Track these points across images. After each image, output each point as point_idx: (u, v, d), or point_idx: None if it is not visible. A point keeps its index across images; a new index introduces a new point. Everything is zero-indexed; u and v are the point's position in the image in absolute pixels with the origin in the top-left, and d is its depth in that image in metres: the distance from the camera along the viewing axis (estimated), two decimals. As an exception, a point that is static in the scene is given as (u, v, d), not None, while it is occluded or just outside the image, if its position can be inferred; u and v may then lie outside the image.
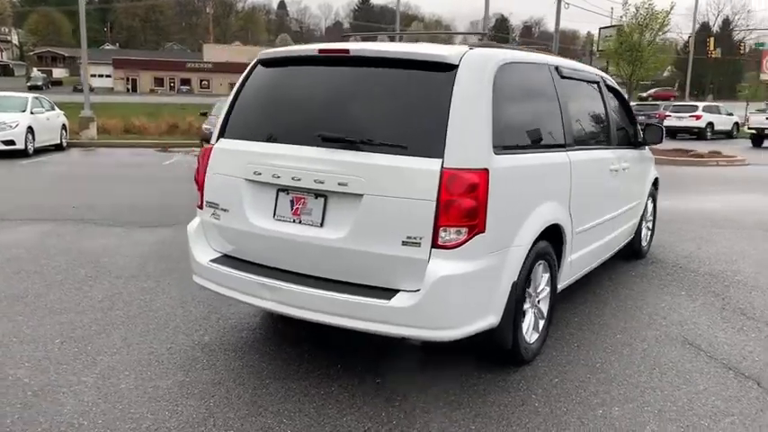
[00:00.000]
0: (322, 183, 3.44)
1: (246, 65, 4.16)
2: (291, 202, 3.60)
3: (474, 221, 3.25)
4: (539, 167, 3.91)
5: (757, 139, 25.99)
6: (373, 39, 5.95)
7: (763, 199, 11.50)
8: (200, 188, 4.01)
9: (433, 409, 3.39)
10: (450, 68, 3.39)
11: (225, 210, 3.84)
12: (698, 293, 5.45)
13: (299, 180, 3.51)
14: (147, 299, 5.00)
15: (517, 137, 3.80)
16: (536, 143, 4.03)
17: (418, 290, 3.27)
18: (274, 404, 3.40)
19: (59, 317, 4.58)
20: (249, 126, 3.91)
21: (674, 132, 28.61)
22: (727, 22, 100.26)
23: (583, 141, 4.60)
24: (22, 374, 3.66)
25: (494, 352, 3.83)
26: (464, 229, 3.24)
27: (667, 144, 21.91)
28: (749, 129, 26.93)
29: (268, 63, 4.02)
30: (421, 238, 3.24)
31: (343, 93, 3.66)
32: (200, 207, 4.03)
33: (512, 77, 3.74)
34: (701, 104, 31.96)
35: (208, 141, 4.21)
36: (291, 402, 3.43)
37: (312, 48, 3.82)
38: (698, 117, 29.94)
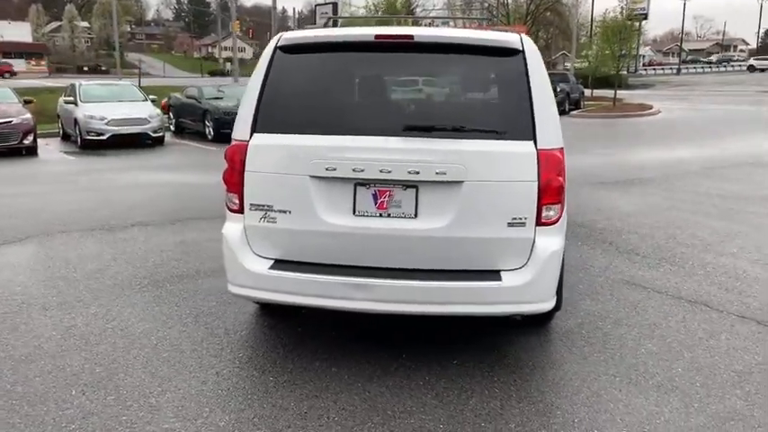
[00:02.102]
0: (417, 173, 3.37)
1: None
2: (374, 195, 3.45)
3: (563, 197, 3.50)
4: None
5: None
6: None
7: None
8: (236, 190, 3.60)
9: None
10: (515, 53, 3.55)
11: (284, 211, 3.51)
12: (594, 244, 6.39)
13: (388, 172, 3.38)
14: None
15: None
16: None
17: (520, 267, 3.43)
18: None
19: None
20: (296, 118, 3.60)
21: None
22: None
23: None
24: None
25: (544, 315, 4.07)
26: (558, 206, 3.47)
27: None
28: None
29: (298, 49, 3.71)
30: (526, 218, 3.40)
31: (412, 80, 3.59)
32: (238, 211, 3.62)
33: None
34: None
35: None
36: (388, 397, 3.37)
37: (363, 33, 3.64)
38: None
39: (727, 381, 3.64)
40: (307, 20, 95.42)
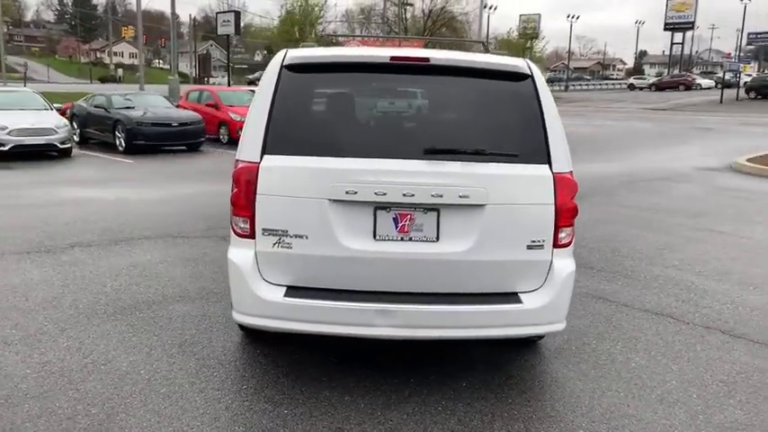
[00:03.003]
0: (440, 196, 3.35)
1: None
2: (395, 219, 3.40)
3: (574, 220, 3.59)
4: None
5: None
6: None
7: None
8: (247, 214, 3.43)
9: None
10: (525, 77, 3.61)
11: (301, 236, 3.38)
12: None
13: (411, 196, 3.34)
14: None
15: None
16: None
17: (537, 289, 3.49)
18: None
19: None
20: (309, 140, 3.48)
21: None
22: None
23: None
24: None
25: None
26: (570, 229, 3.56)
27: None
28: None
29: (306, 68, 3.60)
30: (544, 241, 3.46)
31: (426, 103, 3.57)
32: (249, 236, 3.45)
33: None
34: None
35: None
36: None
37: (378, 54, 3.58)
38: None
39: (719, 392, 3.84)
40: (201, 27, 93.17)
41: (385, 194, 3.33)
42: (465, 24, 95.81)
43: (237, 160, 3.52)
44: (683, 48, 76.06)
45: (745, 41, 76.75)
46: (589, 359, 4.21)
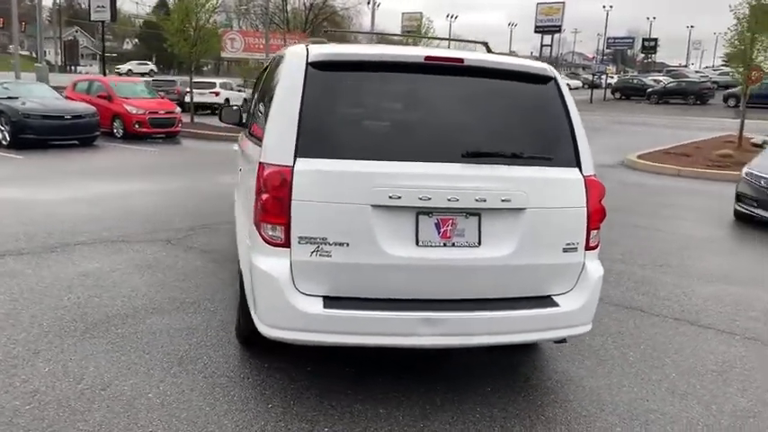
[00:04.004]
0: (484, 201, 3.29)
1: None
2: (437, 224, 3.30)
3: (602, 223, 3.66)
4: None
5: None
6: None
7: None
8: (281, 221, 3.20)
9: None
10: (549, 80, 3.63)
11: (341, 244, 3.20)
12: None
13: (456, 200, 3.25)
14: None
15: None
16: None
17: (568, 291, 3.53)
18: None
19: None
20: (345, 143, 3.29)
21: (196, 108, 28.94)
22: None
23: None
24: None
25: None
26: (598, 231, 3.62)
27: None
28: None
29: (334, 66, 3.40)
30: (578, 243, 3.50)
31: (463, 105, 3.48)
32: (283, 245, 3.21)
33: None
34: (218, 81, 33.23)
35: None
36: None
37: (412, 53, 3.45)
38: (217, 93, 31.17)
39: (716, 381, 4.08)
40: (64, 11, 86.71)
41: (429, 199, 3.23)
42: (347, 19, 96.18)
43: (263, 163, 3.26)
44: (551, 49, 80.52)
45: (604, 45, 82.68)
46: (590, 356, 4.32)
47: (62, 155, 13.55)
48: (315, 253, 3.19)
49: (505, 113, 3.54)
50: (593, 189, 3.52)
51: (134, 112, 16.70)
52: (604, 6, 74.20)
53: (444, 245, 3.30)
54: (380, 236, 3.21)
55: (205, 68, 50.81)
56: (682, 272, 6.54)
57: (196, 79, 33.50)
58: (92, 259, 5.81)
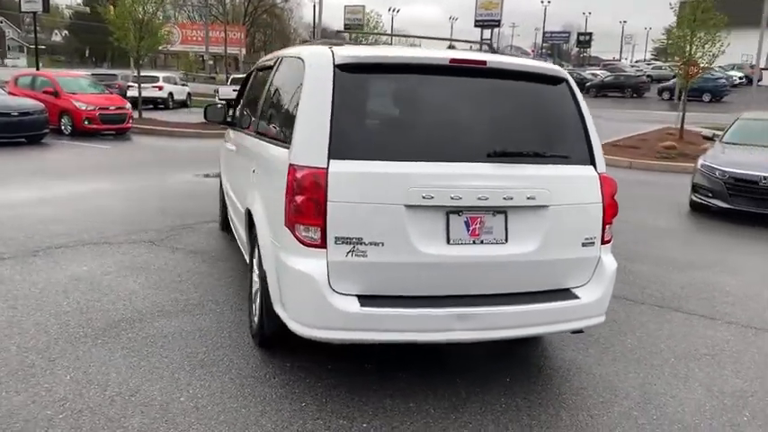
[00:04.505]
0: (511, 199, 3.42)
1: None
2: (466, 223, 3.40)
3: (614, 218, 3.84)
4: None
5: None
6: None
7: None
8: (318, 222, 3.24)
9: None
10: (561, 81, 3.79)
11: (376, 243, 3.27)
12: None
13: (485, 199, 3.37)
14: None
15: None
16: None
17: (584, 284, 3.70)
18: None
19: None
20: (376, 144, 3.36)
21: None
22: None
23: None
24: None
25: None
26: (611, 226, 3.80)
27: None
28: (220, 99, 29.57)
29: (361, 68, 3.46)
30: (594, 238, 3.67)
31: (485, 105, 3.59)
32: (319, 246, 3.26)
33: None
34: (161, 75, 32.46)
35: None
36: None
37: (437, 56, 3.54)
38: (160, 88, 30.50)
39: (711, 364, 4.33)
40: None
41: (460, 198, 3.33)
42: (287, 11, 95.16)
43: (295, 165, 3.30)
44: (490, 43, 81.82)
45: (542, 40, 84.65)
46: (592, 344, 4.52)
47: (11, 154, 13.04)
48: (351, 253, 3.25)
49: (524, 113, 3.67)
50: (607, 185, 3.69)
51: (83, 108, 16.18)
52: (542, 1, 75.86)
53: (473, 242, 3.40)
54: (414, 235, 3.29)
55: (141, 62, 48.93)
56: (654, 261, 6.86)
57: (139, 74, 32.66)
58: (79, 262, 5.67)
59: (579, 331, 3.81)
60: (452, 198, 3.32)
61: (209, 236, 6.89)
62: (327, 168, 3.23)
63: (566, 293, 3.62)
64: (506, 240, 3.46)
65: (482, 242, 3.42)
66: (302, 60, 3.72)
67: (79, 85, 17.55)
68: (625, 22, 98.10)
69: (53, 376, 3.59)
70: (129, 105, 17.82)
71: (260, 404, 3.43)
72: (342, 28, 64.90)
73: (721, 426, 3.53)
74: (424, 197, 3.28)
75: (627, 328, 4.89)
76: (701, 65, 20.03)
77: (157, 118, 21.70)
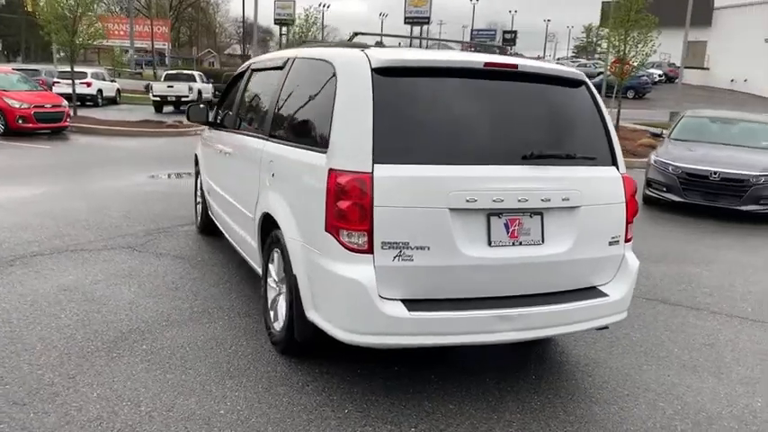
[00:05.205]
0: (548, 200, 3.48)
1: None
2: (506, 224, 3.45)
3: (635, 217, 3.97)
4: None
5: (160, 105, 28.15)
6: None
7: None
8: (364, 228, 3.21)
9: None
10: (581, 84, 3.89)
11: (422, 248, 3.27)
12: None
13: (525, 201, 3.42)
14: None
15: None
16: None
17: (608, 282, 3.82)
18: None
19: None
20: (418, 148, 3.35)
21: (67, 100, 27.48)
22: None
23: None
24: None
25: None
26: (632, 225, 3.94)
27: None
28: (154, 96, 28.75)
29: (398, 72, 3.44)
30: (619, 236, 3.79)
31: (516, 108, 3.63)
32: (366, 251, 3.23)
33: None
34: (89, 71, 31.19)
35: None
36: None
37: (472, 59, 3.56)
38: (89, 84, 29.45)
39: (712, 353, 4.56)
40: None
41: (502, 201, 3.37)
42: (213, 5, 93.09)
43: (336, 170, 3.26)
44: (420, 41, 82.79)
45: (470, 37, 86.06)
46: (599, 339, 4.66)
47: (-57, 155, 12.24)
48: (397, 258, 3.23)
49: (551, 116, 3.75)
50: (629, 185, 3.82)
51: (17, 106, 15.34)
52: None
53: (513, 244, 3.45)
54: (458, 239, 3.31)
55: (58, 56, 46.82)
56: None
57: (63, 69, 31.15)
58: (62, 271, 5.40)
59: (605, 327, 3.92)
60: (494, 201, 3.35)
61: (189, 239, 6.68)
62: (372, 173, 3.20)
63: (595, 291, 3.72)
64: (543, 241, 3.52)
65: (520, 243, 3.47)
66: (330, 64, 3.66)
67: (9, 82, 16.61)
68: (549, 20, 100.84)
69: (78, 394, 3.41)
70: (65, 103, 17.01)
71: (303, 413, 3.37)
72: (272, 23, 64.07)
73: (740, 412, 3.71)
74: (468, 200, 3.30)
75: (627, 321, 4.99)
76: (634, 63, 20.92)
77: (93, 116, 20.84)
